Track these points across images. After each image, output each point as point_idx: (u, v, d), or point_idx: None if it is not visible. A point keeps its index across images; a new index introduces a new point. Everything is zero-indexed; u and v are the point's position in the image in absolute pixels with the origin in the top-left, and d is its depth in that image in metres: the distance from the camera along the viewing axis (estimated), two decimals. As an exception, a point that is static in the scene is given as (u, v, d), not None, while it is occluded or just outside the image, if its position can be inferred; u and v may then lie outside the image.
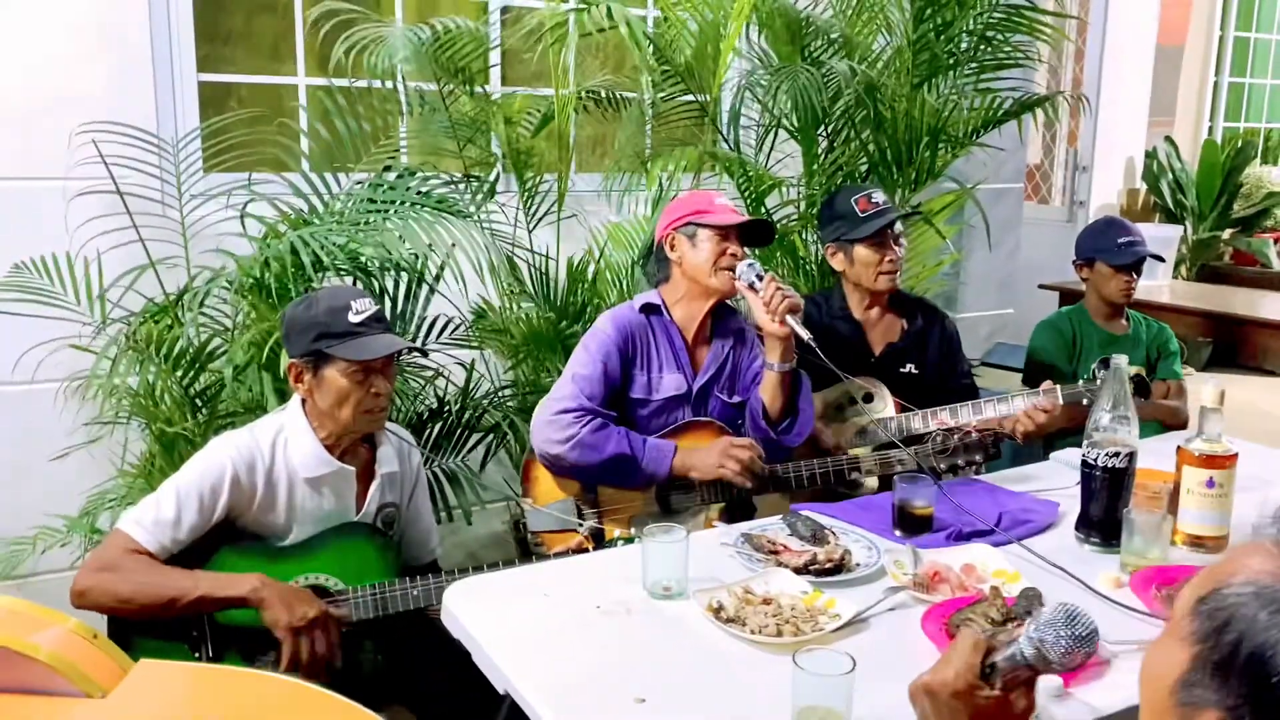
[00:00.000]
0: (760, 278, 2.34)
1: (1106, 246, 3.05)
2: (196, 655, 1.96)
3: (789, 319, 2.29)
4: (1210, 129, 7.55)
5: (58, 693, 1.06)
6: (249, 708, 1.02)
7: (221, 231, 2.97)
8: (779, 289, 2.30)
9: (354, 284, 2.82)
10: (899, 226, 2.75)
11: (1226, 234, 7.05)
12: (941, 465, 2.33)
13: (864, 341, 2.78)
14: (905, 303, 2.86)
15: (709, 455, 2.37)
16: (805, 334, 2.27)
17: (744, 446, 2.35)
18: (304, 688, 1.09)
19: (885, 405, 2.67)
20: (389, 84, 3.14)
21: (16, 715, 1.03)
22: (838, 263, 2.77)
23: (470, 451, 3.11)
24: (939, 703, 1.10)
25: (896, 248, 2.72)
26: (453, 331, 3.10)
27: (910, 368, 2.77)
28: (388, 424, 2.20)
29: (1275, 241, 7.05)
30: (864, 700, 1.34)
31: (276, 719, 1.02)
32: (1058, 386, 2.52)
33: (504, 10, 3.65)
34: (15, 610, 1.13)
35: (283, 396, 2.43)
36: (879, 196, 2.73)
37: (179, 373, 2.62)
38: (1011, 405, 2.54)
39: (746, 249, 2.49)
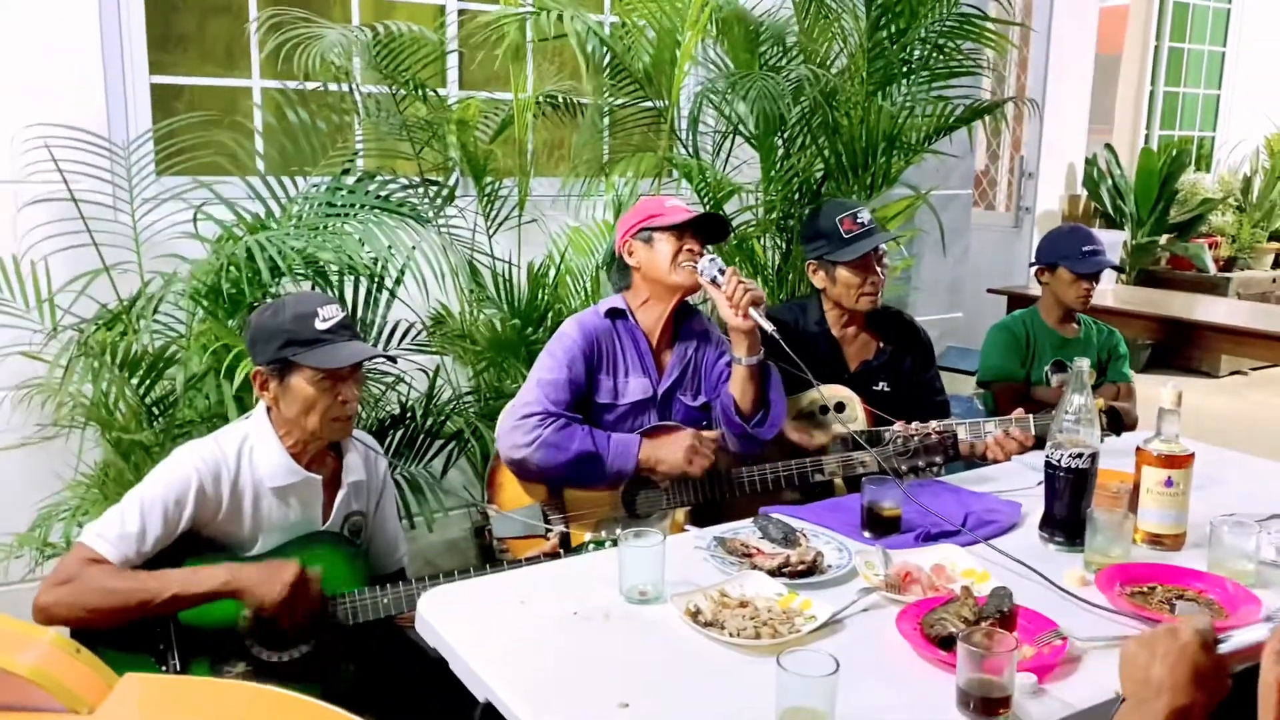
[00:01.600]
0: (722, 272, 2.36)
1: (1070, 253, 3.12)
2: (163, 667, 1.93)
3: (752, 312, 2.30)
4: (1147, 137, 7.75)
5: (41, 709, 1.03)
6: (243, 717, 1.00)
7: (175, 236, 2.92)
8: (740, 282, 2.31)
9: (313, 289, 2.79)
10: (882, 247, 2.72)
11: (1164, 239, 7.23)
12: (902, 466, 2.36)
13: (839, 358, 2.77)
14: (883, 319, 2.82)
15: (674, 447, 2.39)
16: (769, 326, 2.29)
17: (711, 442, 2.38)
18: (293, 698, 1.08)
19: (856, 415, 2.68)
20: (343, 87, 3.12)
21: (-2, 733, 1.00)
22: (819, 280, 2.75)
23: (433, 459, 3.08)
24: (1167, 646, 1.18)
25: (879, 269, 2.69)
26: (414, 337, 3.08)
27: (883, 385, 2.76)
28: (354, 432, 2.17)
29: (1210, 247, 7.25)
30: (844, 700, 1.36)
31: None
32: (1030, 417, 2.54)
33: (460, 14, 3.63)
34: (-9, 625, 1.10)
35: (242, 406, 2.39)
36: (864, 216, 2.69)
37: (134, 380, 2.57)
38: (983, 430, 2.56)
39: (706, 247, 2.50)
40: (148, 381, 2.59)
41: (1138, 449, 2.00)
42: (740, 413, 2.43)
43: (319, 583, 1.98)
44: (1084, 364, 1.96)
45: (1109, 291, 5.50)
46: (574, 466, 2.36)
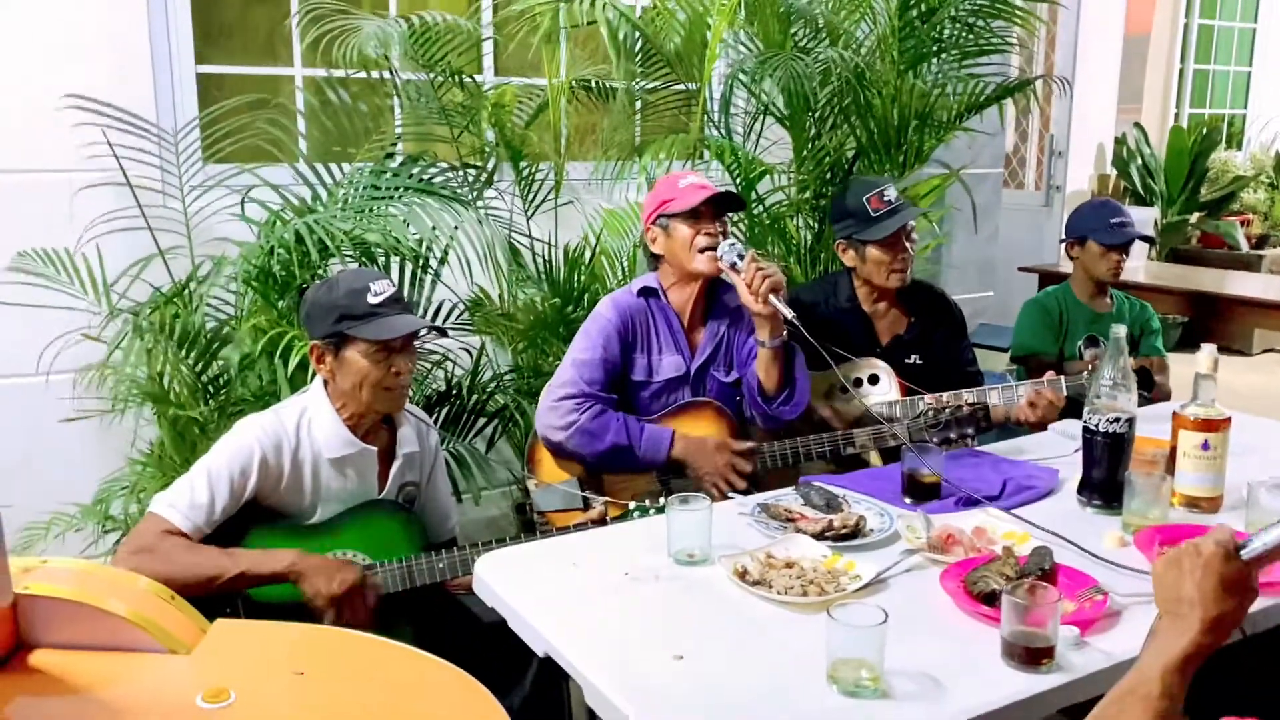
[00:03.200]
0: (741, 257, 2.39)
1: (1099, 226, 3.14)
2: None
3: (772, 298, 2.33)
4: (1177, 115, 7.71)
5: (142, 649, 1.10)
6: (331, 659, 1.07)
7: (223, 220, 3.00)
8: (760, 269, 2.34)
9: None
10: (910, 223, 2.74)
11: (1194, 217, 7.20)
12: (934, 439, 2.39)
13: (871, 333, 2.81)
14: (914, 293, 2.84)
15: (707, 462, 2.44)
16: (788, 312, 2.33)
17: (743, 468, 2.43)
18: (377, 640, 1.14)
19: (890, 387, 2.72)
20: (382, 75, 3.18)
21: (106, 670, 1.07)
22: (849, 259, 2.77)
23: (477, 435, 3.15)
24: (1194, 562, 1.22)
25: (909, 245, 2.72)
26: (457, 318, 3.15)
27: (915, 359, 2.79)
28: (407, 405, 2.24)
29: (1242, 224, 7.22)
30: (892, 652, 1.41)
31: (358, 667, 1.07)
32: (1061, 378, 2.57)
33: (494, 1, 3.68)
34: (90, 571, 1.18)
35: (294, 385, 2.46)
36: (891, 193, 2.70)
37: (190, 359, 2.64)
38: (1016, 393, 2.60)
39: (729, 218, 2.52)
40: (203, 361, 2.67)
41: (1174, 414, 2.04)
42: (764, 393, 2.48)
43: (375, 598, 2.03)
44: (1121, 330, 2.00)
45: (1140, 268, 5.50)
46: (607, 455, 2.43)
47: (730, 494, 2.38)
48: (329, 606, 1.96)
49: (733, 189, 2.60)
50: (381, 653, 1.10)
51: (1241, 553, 1.23)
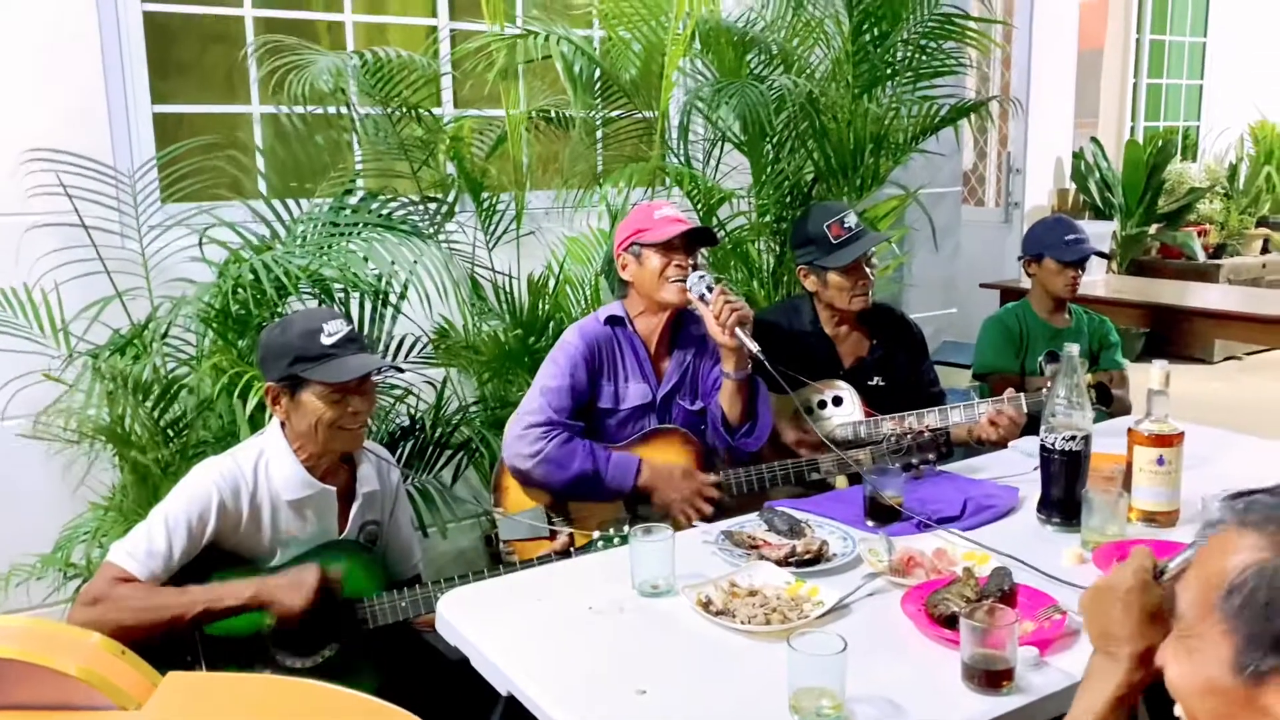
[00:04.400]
0: (710, 289, 2.40)
1: (1054, 243, 3.18)
2: (192, 678, 1.98)
3: (738, 331, 2.35)
4: (1132, 129, 7.84)
5: (92, 707, 1.09)
6: (285, 712, 1.06)
7: (182, 260, 2.98)
8: (728, 302, 2.36)
9: (320, 306, 2.85)
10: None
11: (1153, 229, 7.30)
12: (896, 464, 2.40)
13: (834, 356, 2.83)
14: (876, 316, 2.87)
15: (674, 490, 2.44)
16: (754, 346, 2.34)
17: (711, 495, 2.43)
18: (327, 689, 1.14)
19: (854, 409, 2.73)
20: (340, 110, 3.19)
21: (55, 730, 1.05)
22: (810, 284, 2.80)
23: (443, 468, 3.14)
24: (1114, 598, 1.22)
25: (869, 270, 2.74)
26: (419, 350, 3.14)
27: (878, 380, 2.81)
28: (366, 443, 2.23)
29: (1199, 235, 7.32)
30: (853, 679, 1.41)
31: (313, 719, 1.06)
32: (1021, 395, 2.60)
33: (452, 33, 3.70)
34: (40, 629, 1.16)
35: (254, 425, 2.45)
36: (851, 220, 2.73)
37: (148, 403, 2.62)
38: (976, 412, 2.62)
39: (703, 252, 2.54)
40: (161, 404, 2.65)
41: (1129, 430, 2.07)
42: (728, 424, 2.49)
43: (340, 582, 2.04)
44: (1074, 349, 2.02)
45: (1100, 281, 5.57)
46: (574, 483, 2.43)
47: (696, 523, 2.38)
48: (308, 616, 1.95)
49: (704, 225, 2.62)
50: (337, 702, 1.10)
51: (1162, 578, 1.23)
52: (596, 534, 2.26)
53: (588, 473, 2.41)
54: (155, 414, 2.64)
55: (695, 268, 2.48)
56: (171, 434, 2.68)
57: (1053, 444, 2.01)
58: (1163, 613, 1.20)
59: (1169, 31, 7.93)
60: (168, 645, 1.98)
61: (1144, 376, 2.09)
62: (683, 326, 2.62)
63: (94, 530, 2.67)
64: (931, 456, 2.40)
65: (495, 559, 2.81)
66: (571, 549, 2.27)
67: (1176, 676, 0.98)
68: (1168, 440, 2.01)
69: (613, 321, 2.57)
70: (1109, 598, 1.23)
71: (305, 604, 1.96)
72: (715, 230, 2.97)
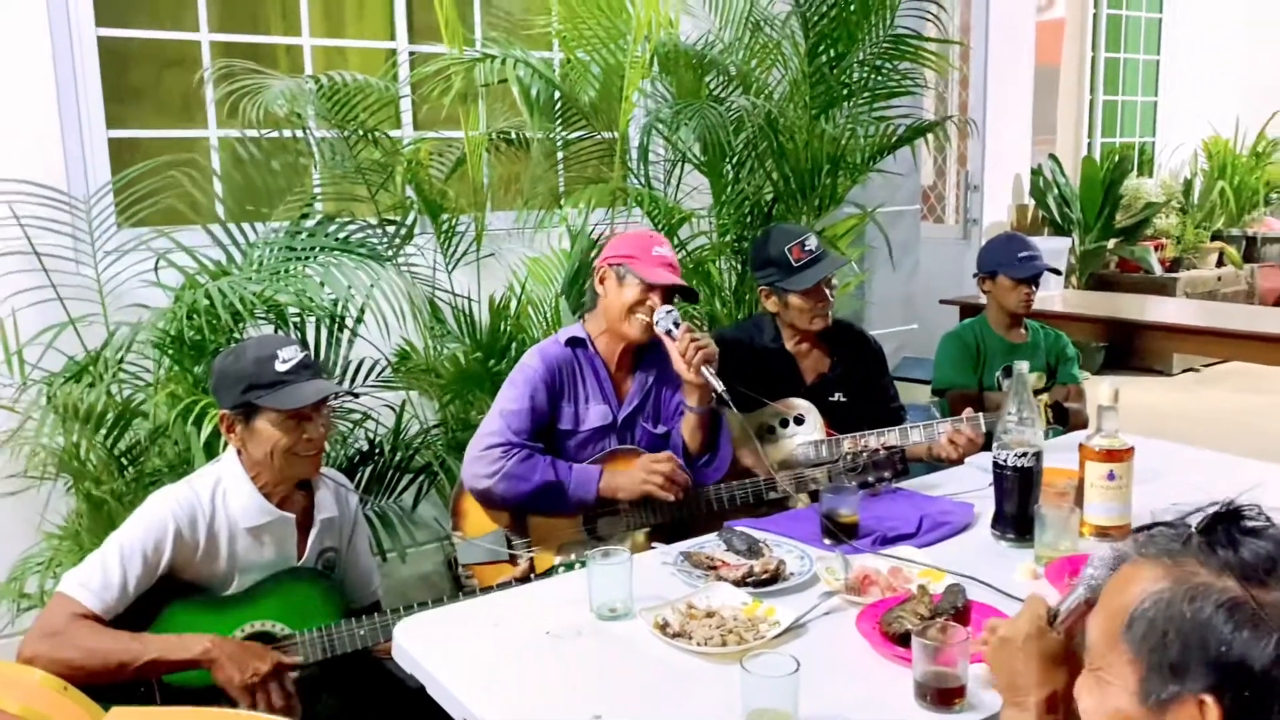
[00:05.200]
0: (677, 325, 2.41)
1: (1008, 260, 3.23)
2: None
3: (704, 370, 2.36)
4: (1089, 145, 7.95)
5: (34, 745, 1.07)
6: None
7: (139, 286, 2.96)
8: (694, 340, 2.37)
9: (275, 332, 2.84)
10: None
11: (1111, 243, 7.40)
12: (852, 483, 2.42)
13: (795, 373, 2.85)
14: (836, 333, 2.89)
15: (632, 475, 2.44)
16: (719, 385, 2.36)
17: (662, 460, 2.42)
18: (275, 722, 1.13)
19: (815, 427, 2.75)
20: (297, 134, 3.18)
21: (-5, 770, 1.04)
22: (771, 305, 2.82)
23: (403, 493, 3.13)
24: (1013, 650, 1.24)
25: (829, 291, 2.77)
26: (379, 374, 3.13)
27: (839, 396, 2.84)
28: (323, 469, 2.22)
29: (1155, 249, 7.43)
30: (807, 700, 1.42)
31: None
32: (980, 415, 2.62)
33: (411, 55, 3.71)
34: (-19, 669, 1.15)
35: (211, 452, 2.43)
36: (812, 243, 2.76)
37: (102, 432, 2.60)
38: (936, 431, 2.65)
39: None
40: (116, 432, 2.62)
41: (1081, 445, 2.09)
42: (688, 455, 2.51)
43: (293, 684, 1.99)
44: (1024, 366, 2.05)
45: (1058, 296, 5.64)
46: (536, 497, 2.42)
47: (670, 495, 2.38)
48: (243, 695, 1.92)
49: (689, 285, 2.64)
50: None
51: (1055, 623, 1.25)
52: (558, 559, 2.26)
53: (550, 483, 2.40)
54: (109, 442, 2.61)
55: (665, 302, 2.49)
56: (126, 462, 2.65)
57: (1005, 460, 2.03)
58: (1065, 656, 1.22)
59: (1124, 49, 8.07)
60: (126, 687, 1.96)
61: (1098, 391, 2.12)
62: (645, 349, 2.62)
63: (48, 560, 2.64)
64: (887, 474, 2.42)
65: (458, 583, 2.80)
66: (532, 574, 2.26)
67: (1089, 708, 1.00)
68: (1118, 455, 2.03)
69: (573, 343, 2.57)
70: (1010, 649, 1.25)
71: (246, 683, 1.91)
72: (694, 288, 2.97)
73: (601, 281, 2.54)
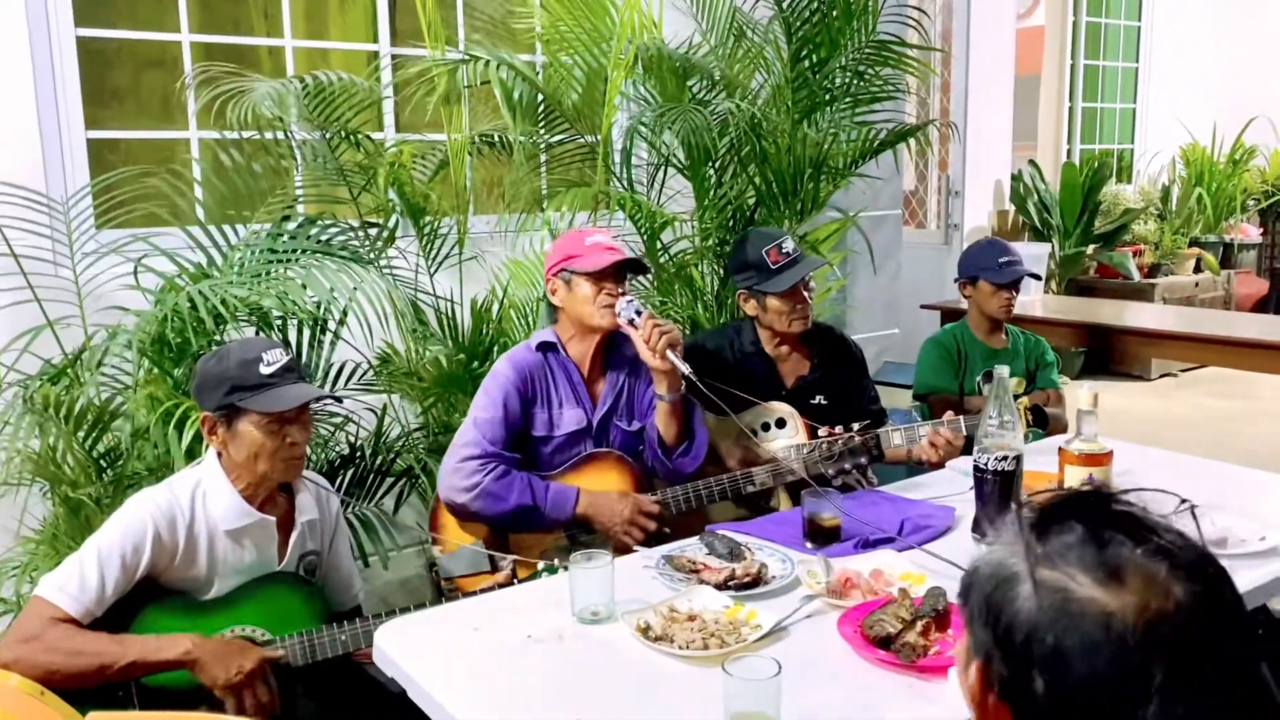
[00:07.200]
0: (639, 313, 2.42)
1: (988, 265, 3.25)
2: (124, 722, 1.94)
3: (669, 354, 2.37)
4: (1069, 151, 8.01)
5: (10, 751, 1.06)
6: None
7: (117, 289, 2.94)
8: (656, 325, 2.38)
9: (257, 335, 2.82)
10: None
11: (1090, 249, 7.46)
12: (829, 470, 2.43)
13: (776, 376, 2.86)
14: (816, 336, 2.90)
15: (613, 514, 2.43)
16: (685, 368, 2.36)
17: (652, 515, 2.43)
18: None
19: (796, 431, 2.76)
20: (279, 135, 3.17)
21: (-30, 776, 1.03)
22: (750, 308, 2.83)
23: (384, 496, 3.11)
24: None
25: (807, 293, 2.78)
26: (360, 377, 3.12)
27: (820, 399, 2.84)
28: (304, 472, 2.21)
29: (1134, 255, 7.49)
30: (789, 702, 1.42)
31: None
32: (961, 418, 2.63)
33: (394, 59, 3.70)
34: (-43, 674, 1.14)
35: (191, 456, 2.41)
36: (789, 245, 2.77)
37: (81, 434, 2.57)
38: (917, 433, 2.66)
39: (638, 279, 2.55)
40: (94, 435, 2.60)
41: (1060, 449, 2.11)
42: (664, 445, 2.51)
43: (276, 681, 1.98)
44: (1004, 370, 2.06)
45: (1038, 301, 5.68)
46: (512, 516, 2.42)
47: (637, 548, 2.38)
48: (228, 695, 1.91)
49: (635, 254, 2.64)
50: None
51: None
52: (541, 564, 2.26)
53: (526, 506, 2.41)
54: (88, 445, 2.59)
55: (624, 294, 2.49)
56: (105, 465, 2.63)
57: (985, 464, 2.04)
58: None
59: (1103, 57, 8.13)
60: (104, 690, 1.94)
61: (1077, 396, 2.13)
62: (615, 348, 2.62)
63: (25, 565, 2.61)
64: (864, 460, 2.43)
65: (439, 588, 2.79)
66: (515, 581, 2.26)
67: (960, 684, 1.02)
68: (1097, 459, 2.05)
69: (545, 347, 2.57)
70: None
71: (230, 682, 1.91)
72: (646, 262, 2.98)
73: (553, 293, 2.54)
